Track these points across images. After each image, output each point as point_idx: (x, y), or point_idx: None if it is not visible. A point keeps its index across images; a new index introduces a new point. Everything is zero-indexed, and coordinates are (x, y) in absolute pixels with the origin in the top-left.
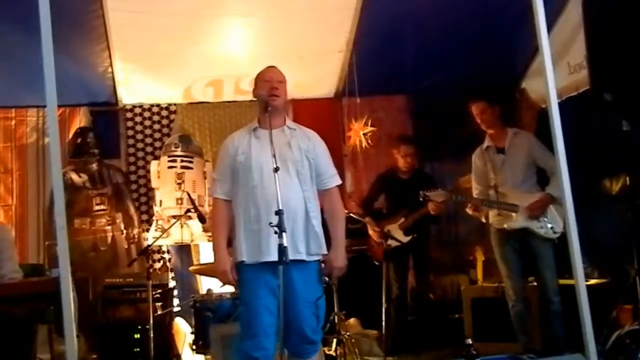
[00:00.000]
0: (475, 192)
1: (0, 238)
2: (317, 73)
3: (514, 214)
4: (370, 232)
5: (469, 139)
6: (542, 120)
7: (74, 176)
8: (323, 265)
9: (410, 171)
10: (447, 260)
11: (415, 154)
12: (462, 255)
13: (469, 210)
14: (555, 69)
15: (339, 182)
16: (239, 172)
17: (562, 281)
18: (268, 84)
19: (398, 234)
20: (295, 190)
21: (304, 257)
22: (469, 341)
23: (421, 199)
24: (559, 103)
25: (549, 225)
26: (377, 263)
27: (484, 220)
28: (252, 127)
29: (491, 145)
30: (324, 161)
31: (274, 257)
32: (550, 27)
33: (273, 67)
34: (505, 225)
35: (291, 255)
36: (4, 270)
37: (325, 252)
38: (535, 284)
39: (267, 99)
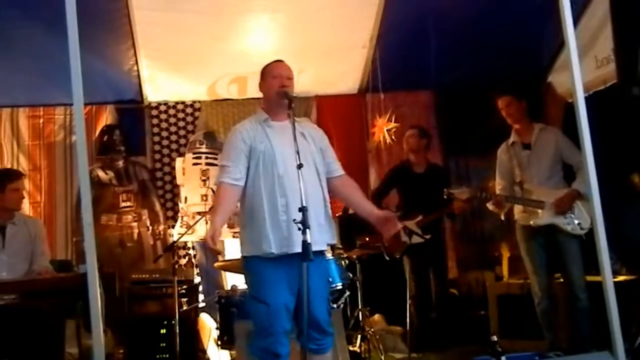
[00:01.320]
0: (498, 188)
1: (34, 234)
2: (340, 69)
3: (539, 211)
4: None
5: (494, 134)
6: (568, 115)
7: (101, 173)
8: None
9: (424, 165)
10: (473, 257)
11: (419, 137)
12: (488, 252)
13: (489, 206)
14: (582, 63)
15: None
16: (259, 161)
17: (589, 278)
18: (278, 80)
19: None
20: (315, 181)
21: (324, 247)
22: (495, 338)
23: (445, 197)
24: (586, 97)
25: (576, 222)
26: (388, 259)
27: (502, 217)
28: (262, 118)
29: (517, 141)
30: (332, 151)
31: (299, 248)
32: (576, 20)
33: (282, 61)
34: (531, 222)
35: (316, 247)
36: (35, 266)
37: (335, 242)
38: (562, 280)
39: (284, 93)
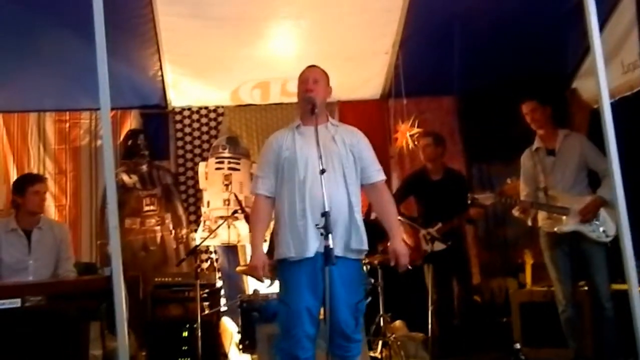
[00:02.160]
0: (523, 194)
1: (61, 238)
2: (363, 74)
3: (564, 217)
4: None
5: (518, 140)
6: (594, 121)
7: (125, 177)
8: (389, 257)
9: (441, 171)
10: (495, 263)
11: (434, 146)
12: (511, 259)
13: (515, 212)
14: (608, 68)
15: (384, 177)
16: (284, 167)
17: (615, 286)
18: (304, 85)
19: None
20: (340, 186)
21: (341, 253)
22: (518, 346)
23: (469, 202)
24: (612, 103)
25: (601, 229)
26: (410, 268)
27: (530, 223)
28: (295, 124)
29: (541, 147)
30: (368, 155)
31: (312, 253)
32: (602, 25)
33: (312, 66)
34: (555, 229)
35: (337, 252)
36: (60, 270)
37: (367, 248)
38: (586, 288)
39: (307, 99)
